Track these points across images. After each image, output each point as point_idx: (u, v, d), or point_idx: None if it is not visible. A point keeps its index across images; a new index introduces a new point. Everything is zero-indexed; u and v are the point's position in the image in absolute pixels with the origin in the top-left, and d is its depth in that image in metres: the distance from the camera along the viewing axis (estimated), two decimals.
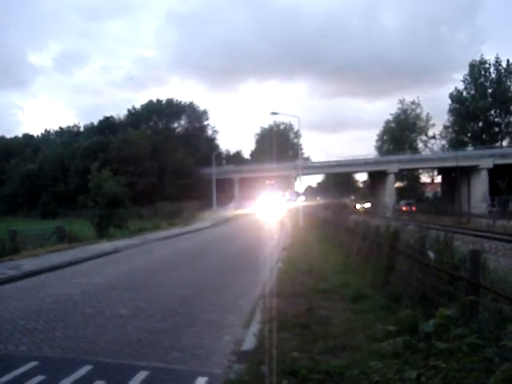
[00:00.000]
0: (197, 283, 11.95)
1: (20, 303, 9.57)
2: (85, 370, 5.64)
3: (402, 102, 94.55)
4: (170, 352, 6.35)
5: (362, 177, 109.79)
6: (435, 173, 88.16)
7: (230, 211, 62.44)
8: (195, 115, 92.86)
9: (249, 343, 6.52)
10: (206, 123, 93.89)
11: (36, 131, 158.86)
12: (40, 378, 5.42)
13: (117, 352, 6.36)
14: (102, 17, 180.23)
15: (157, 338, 7.00)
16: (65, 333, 7.34)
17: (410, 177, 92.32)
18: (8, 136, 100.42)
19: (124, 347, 6.57)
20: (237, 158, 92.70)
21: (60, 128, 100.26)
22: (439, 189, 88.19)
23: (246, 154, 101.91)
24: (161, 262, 16.58)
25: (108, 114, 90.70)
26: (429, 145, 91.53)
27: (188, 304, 9.43)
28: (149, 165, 69.76)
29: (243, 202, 74.39)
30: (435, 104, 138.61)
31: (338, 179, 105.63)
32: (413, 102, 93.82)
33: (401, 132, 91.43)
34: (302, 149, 79.64)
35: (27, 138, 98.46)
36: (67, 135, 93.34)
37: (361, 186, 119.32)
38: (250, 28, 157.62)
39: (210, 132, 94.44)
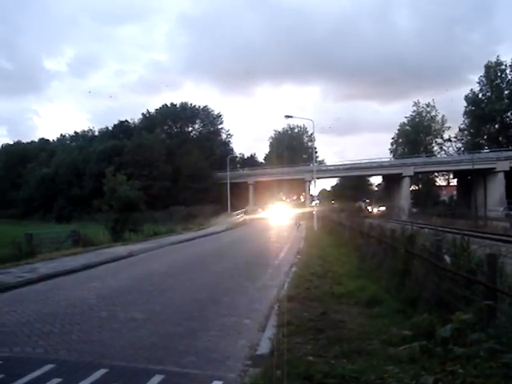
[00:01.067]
0: (212, 287, 11.96)
1: (36, 306, 9.65)
2: (100, 373, 5.67)
3: (416, 104, 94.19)
4: (184, 356, 6.34)
5: (376, 180, 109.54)
6: (451, 176, 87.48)
7: (245, 215, 62.49)
8: (209, 119, 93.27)
9: (264, 347, 6.49)
10: (220, 127, 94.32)
11: (52, 136, 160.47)
12: (56, 380, 5.46)
13: (132, 356, 6.37)
14: (116, 21, 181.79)
15: (172, 342, 7.00)
16: (80, 336, 7.38)
17: (425, 180, 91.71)
18: (24, 141, 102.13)
19: (139, 351, 6.58)
20: (251, 162, 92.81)
21: (75, 132, 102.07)
22: (455, 192, 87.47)
23: (261, 158, 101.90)
24: (176, 266, 16.62)
25: (122, 118, 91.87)
26: (444, 148, 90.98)
27: (203, 308, 9.43)
28: (163, 169, 70.21)
29: (258, 206, 74.46)
30: (450, 106, 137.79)
31: (352, 182, 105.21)
32: (428, 105, 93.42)
33: (416, 135, 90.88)
34: (316, 152, 79.46)
35: (43, 142, 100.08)
36: (82, 139, 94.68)
37: (375, 189, 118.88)
38: (263, 31, 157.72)
39: (224, 136, 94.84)
